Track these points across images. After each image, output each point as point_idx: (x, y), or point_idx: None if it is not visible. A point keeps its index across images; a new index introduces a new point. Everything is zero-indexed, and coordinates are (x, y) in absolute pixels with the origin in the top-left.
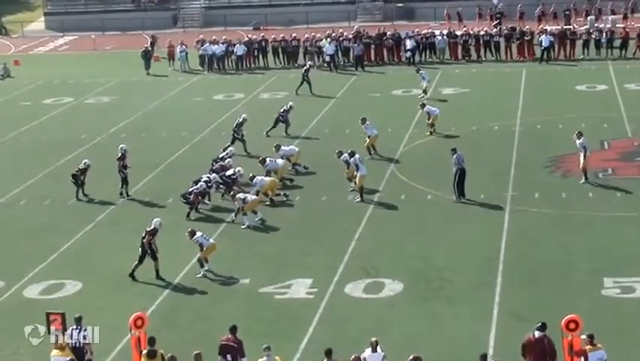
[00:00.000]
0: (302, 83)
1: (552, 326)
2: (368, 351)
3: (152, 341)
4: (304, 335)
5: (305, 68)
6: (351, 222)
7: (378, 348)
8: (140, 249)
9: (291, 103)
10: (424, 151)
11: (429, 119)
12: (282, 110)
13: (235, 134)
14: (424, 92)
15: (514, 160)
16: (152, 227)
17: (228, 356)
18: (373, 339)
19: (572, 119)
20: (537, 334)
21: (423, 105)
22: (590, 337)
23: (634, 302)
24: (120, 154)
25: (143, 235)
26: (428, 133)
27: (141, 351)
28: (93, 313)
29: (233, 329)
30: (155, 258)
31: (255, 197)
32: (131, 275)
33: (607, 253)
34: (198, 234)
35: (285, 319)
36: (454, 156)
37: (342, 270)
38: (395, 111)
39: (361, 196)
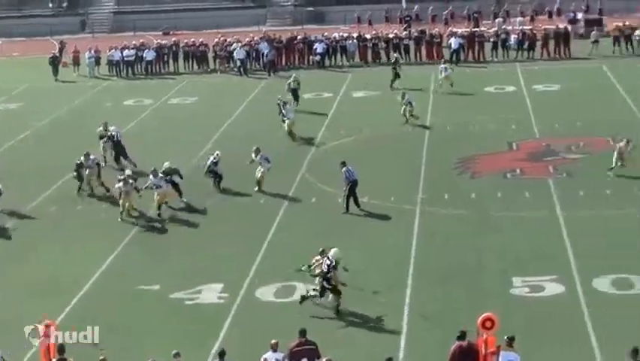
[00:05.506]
0: (295, 97)
1: (463, 326)
2: (269, 352)
3: (61, 349)
4: (215, 340)
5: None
6: (263, 227)
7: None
8: None
9: (218, 152)
10: (335, 153)
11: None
12: (210, 161)
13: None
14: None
15: (424, 162)
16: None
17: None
18: (273, 341)
19: (481, 121)
20: (461, 342)
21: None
22: (510, 339)
23: (542, 301)
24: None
25: None
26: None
27: (50, 360)
28: (1, 324)
29: (303, 332)
30: None
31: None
32: None
33: (515, 253)
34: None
35: (195, 324)
36: (343, 170)
37: (252, 274)
38: (306, 114)
39: (259, 187)
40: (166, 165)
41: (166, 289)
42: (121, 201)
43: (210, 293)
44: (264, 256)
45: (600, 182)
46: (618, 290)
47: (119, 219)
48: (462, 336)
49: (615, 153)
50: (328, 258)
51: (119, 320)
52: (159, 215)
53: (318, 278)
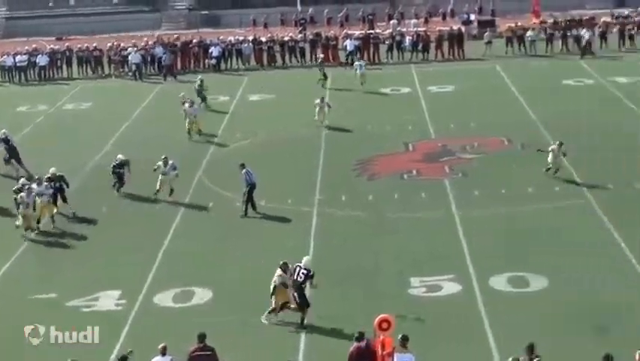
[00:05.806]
0: (201, 99)
1: (361, 327)
2: (158, 357)
3: None
4: (114, 347)
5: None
6: (159, 232)
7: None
8: None
9: (120, 155)
10: (232, 157)
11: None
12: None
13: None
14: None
15: (322, 164)
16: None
17: None
18: (161, 345)
19: (377, 122)
20: (360, 343)
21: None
22: (404, 339)
23: (439, 300)
24: None
25: None
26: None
27: None
28: None
29: (202, 337)
30: None
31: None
32: None
33: (412, 254)
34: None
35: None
36: (243, 172)
37: (150, 280)
38: (203, 117)
39: (156, 193)
40: (52, 170)
41: (62, 297)
42: (21, 211)
43: (108, 300)
44: (161, 262)
45: (495, 181)
46: (514, 288)
47: (23, 231)
48: (360, 337)
49: (550, 155)
50: (301, 267)
51: (15, 329)
52: (38, 228)
53: (292, 291)
